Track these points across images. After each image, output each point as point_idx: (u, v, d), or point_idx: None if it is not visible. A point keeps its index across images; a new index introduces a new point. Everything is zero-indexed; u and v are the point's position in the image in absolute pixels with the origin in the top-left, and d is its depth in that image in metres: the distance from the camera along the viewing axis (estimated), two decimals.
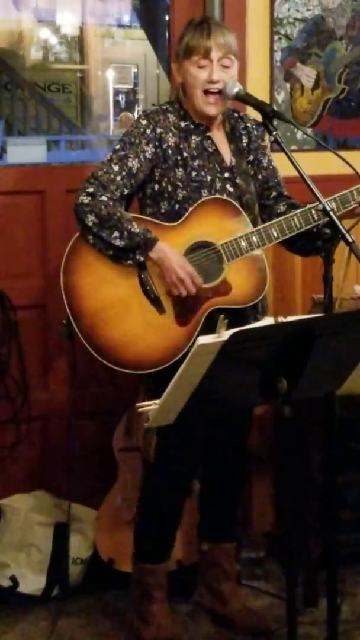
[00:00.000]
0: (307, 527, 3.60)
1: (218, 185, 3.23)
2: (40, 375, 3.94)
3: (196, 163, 3.22)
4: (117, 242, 3.07)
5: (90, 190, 3.11)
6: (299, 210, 3.14)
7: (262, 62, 3.94)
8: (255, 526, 4.05)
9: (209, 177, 3.22)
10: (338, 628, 2.90)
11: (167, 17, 4.22)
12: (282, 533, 3.91)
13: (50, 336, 3.93)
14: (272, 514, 4.08)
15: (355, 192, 3.10)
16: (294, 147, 3.95)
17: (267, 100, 3.83)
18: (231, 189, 3.24)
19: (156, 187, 3.21)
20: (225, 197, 3.20)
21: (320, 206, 2.84)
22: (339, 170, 3.09)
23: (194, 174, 3.20)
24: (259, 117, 3.06)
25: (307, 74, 4.00)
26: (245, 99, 3.14)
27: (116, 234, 3.07)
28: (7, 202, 3.88)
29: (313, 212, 3.12)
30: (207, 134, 3.25)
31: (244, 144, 3.33)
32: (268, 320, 2.40)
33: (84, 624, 3.55)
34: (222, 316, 2.29)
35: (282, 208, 3.32)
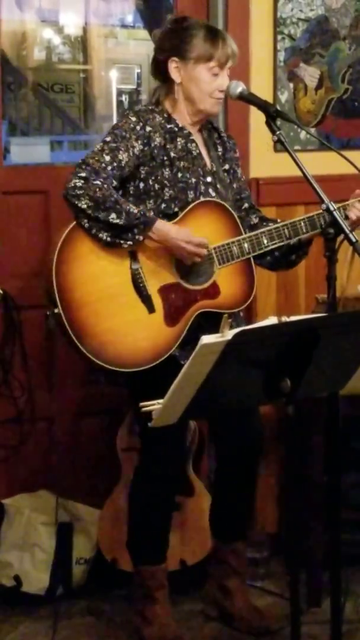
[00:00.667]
0: (311, 527, 3.60)
1: (202, 188, 3.25)
2: (43, 375, 3.95)
3: (182, 164, 3.23)
4: (116, 221, 3.04)
5: (83, 174, 3.08)
6: (290, 222, 3.19)
7: (265, 62, 3.94)
8: (259, 526, 4.05)
9: (193, 180, 3.24)
10: (341, 628, 2.90)
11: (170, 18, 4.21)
12: (286, 533, 3.92)
13: (54, 336, 3.92)
14: (276, 514, 4.08)
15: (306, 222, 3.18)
16: (297, 147, 3.94)
17: (270, 100, 3.83)
18: (213, 194, 3.27)
19: (141, 185, 3.20)
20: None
21: (324, 206, 2.84)
22: (342, 170, 3.10)
23: (180, 174, 3.22)
24: (262, 117, 3.06)
25: (310, 74, 4.00)
26: (248, 98, 3.14)
27: (113, 214, 3.04)
28: (11, 202, 3.88)
29: (302, 223, 3.19)
30: (191, 137, 3.27)
31: (219, 153, 3.37)
32: (272, 320, 2.40)
33: (87, 623, 3.55)
34: (225, 316, 2.30)
35: (255, 220, 3.39)
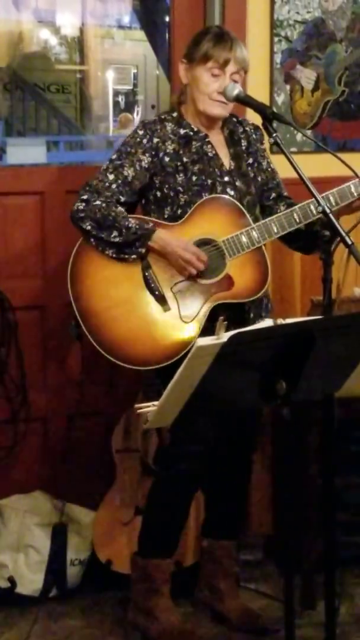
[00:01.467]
0: (305, 529, 3.60)
1: (219, 189, 3.27)
2: (39, 375, 3.94)
3: (196, 168, 3.26)
4: (117, 240, 3.15)
5: (85, 197, 3.21)
6: (298, 206, 3.19)
7: (262, 64, 3.94)
8: (254, 528, 4.05)
9: (209, 181, 3.26)
10: (336, 630, 2.90)
11: (167, 19, 4.23)
12: (280, 535, 3.92)
13: (50, 337, 3.93)
14: (270, 516, 4.08)
15: (352, 187, 3.13)
16: (293, 149, 3.95)
17: (267, 102, 3.83)
18: (232, 192, 3.28)
19: (158, 194, 3.26)
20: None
21: (320, 208, 2.84)
22: (338, 172, 3.09)
23: (194, 178, 3.25)
24: (258, 119, 3.06)
25: (307, 76, 4.00)
26: (245, 100, 3.14)
27: (115, 232, 3.15)
28: (7, 202, 3.88)
29: (312, 206, 3.17)
30: (207, 139, 3.29)
31: (243, 147, 3.36)
32: (267, 322, 2.41)
33: (81, 625, 3.55)
34: (221, 318, 2.30)
35: (282, 208, 3.36)
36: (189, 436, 3.21)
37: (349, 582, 3.77)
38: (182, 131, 3.28)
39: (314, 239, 3.15)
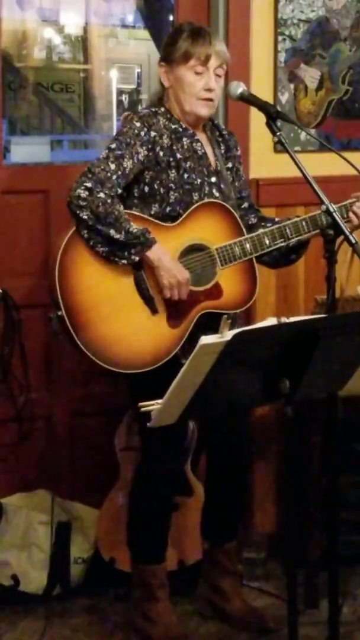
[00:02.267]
0: (309, 528, 3.60)
1: (206, 189, 3.25)
2: (42, 374, 3.95)
3: (188, 165, 3.23)
4: (116, 237, 3.04)
5: (89, 185, 3.08)
6: (291, 221, 3.21)
7: (266, 63, 3.94)
8: (257, 526, 4.06)
9: (198, 180, 3.24)
10: (339, 629, 2.90)
11: (171, 18, 4.23)
12: (284, 533, 3.92)
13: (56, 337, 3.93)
14: (274, 514, 4.08)
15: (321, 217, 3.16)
16: (297, 148, 3.94)
17: (270, 101, 3.82)
18: (217, 194, 3.27)
19: (146, 189, 3.20)
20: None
21: (324, 207, 2.85)
22: (342, 171, 3.10)
23: (185, 175, 3.22)
24: (262, 118, 3.06)
25: (311, 75, 4.00)
26: (249, 99, 3.14)
27: (113, 230, 3.05)
28: (11, 201, 3.88)
29: (303, 223, 3.20)
30: (196, 137, 3.27)
31: (222, 151, 3.37)
32: (271, 321, 2.41)
33: (84, 623, 3.55)
34: (224, 316, 2.30)
35: (253, 219, 3.40)
36: (162, 437, 3.12)
37: (352, 581, 3.77)
38: (173, 126, 3.24)
39: (282, 255, 3.26)
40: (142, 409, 2.42)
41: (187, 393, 2.34)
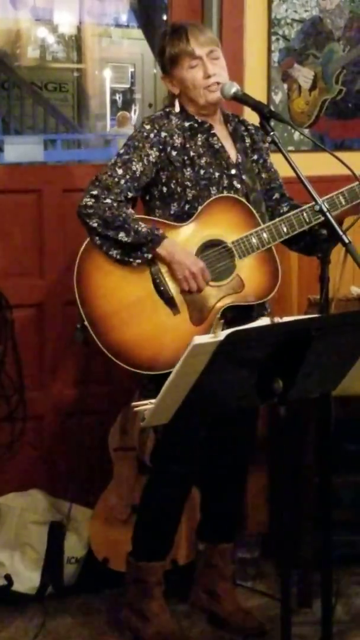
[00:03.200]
0: (302, 528, 3.61)
1: (225, 182, 3.24)
2: (36, 374, 3.94)
3: (203, 161, 3.23)
4: (125, 239, 3.07)
5: (95, 192, 3.12)
6: (307, 206, 3.15)
7: (259, 63, 3.94)
8: (250, 526, 4.06)
9: (216, 174, 3.23)
10: (332, 628, 2.91)
11: (164, 17, 4.23)
12: (277, 533, 3.92)
13: (47, 335, 3.93)
14: (267, 514, 4.08)
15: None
16: (291, 148, 3.95)
17: (264, 100, 3.83)
18: (238, 186, 3.25)
19: (164, 189, 3.22)
20: (233, 194, 3.22)
21: (317, 207, 2.85)
22: (336, 171, 3.09)
23: (202, 172, 3.22)
24: (256, 118, 3.06)
25: (304, 75, 4.00)
26: (242, 99, 3.14)
27: (122, 233, 3.08)
28: (4, 201, 3.88)
29: (317, 208, 3.13)
30: (212, 132, 3.26)
31: (247, 144, 3.35)
32: (264, 321, 2.41)
33: (78, 622, 3.55)
34: (217, 316, 2.30)
35: (285, 209, 3.35)
36: (179, 437, 3.17)
37: (345, 581, 3.77)
38: (186, 124, 3.24)
39: (316, 240, 3.16)
40: (135, 409, 2.42)
41: (180, 393, 2.34)
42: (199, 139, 3.25)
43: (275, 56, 3.96)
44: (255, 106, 3.07)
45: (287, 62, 3.98)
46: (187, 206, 3.19)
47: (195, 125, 3.25)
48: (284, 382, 2.40)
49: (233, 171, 3.26)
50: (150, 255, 3.09)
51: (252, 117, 3.21)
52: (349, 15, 4.01)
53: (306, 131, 4.01)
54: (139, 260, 3.10)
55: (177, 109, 3.27)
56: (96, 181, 3.15)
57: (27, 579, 3.66)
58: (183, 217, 3.19)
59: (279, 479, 3.58)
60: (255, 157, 3.36)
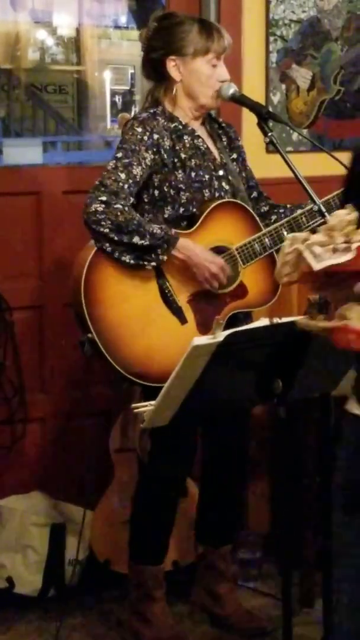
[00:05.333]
0: (303, 528, 3.61)
1: (216, 184, 3.22)
2: (36, 376, 3.94)
3: (193, 163, 3.20)
4: (141, 242, 3.01)
5: (104, 198, 3.03)
6: (306, 209, 3.15)
7: (257, 64, 3.94)
8: (251, 527, 4.06)
9: (206, 176, 3.21)
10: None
11: None
12: (278, 533, 3.92)
13: (47, 337, 3.93)
14: (268, 514, 4.08)
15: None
16: (289, 149, 3.95)
17: (262, 101, 3.83)
18: (227, 187, 3.24)
19: (156, 192, 3.17)
20: (223, 195, 3.22)
21: (316, 207, 2.85)
22: (334, 171, 3.08)
23: (193, 174, 3.19)
24: (254, 118, 3.07)
25: (302, 75, 4.00)
26: (240, 100, 3.14)
27: (137, 237, 3.01)
28: (3, 203, 3.87)
29: (315, 208, 3.14)
30: (196, 133, 3.24)
31: (225, 143, 3.34)
32: (263, 321, 2.41)
33: (80, 625, 3.55)
34: (217, 317, 2.31)
35: (265, 208, 3.37)
36: (172, 439, 3.13)
37: None
38: (172, 125, 3.20)
39: None
40: (135, 410, 2.42)
41: (180, 394, 2.34)
42: (186, 140, 3.21)
43: (273, 57, 3.97)
44: (254, 107, 3.07)
45: (285, 62, 3.99)
46: (181, 209, 3.16)
47: (180, 127, 3.21)
48: (284, 383, 2.40)
49: (220, 172, 3.25)
50: (165, 257, 3.05)
51: (250, 118, 3.21)
52: (346, 16, 4.02)
53: (304, 131, 4.02)
54: (153, 263, 3.05)
55: (166, 105, 3.22)
56: (102, 187, 3.05)
57: (29, 582, 3.66)
58: (178, 220, 3.15)
59: (280, 480, 3.59)
60: (234, 155, 3.35)
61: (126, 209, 3.03)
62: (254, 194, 3.39)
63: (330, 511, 2.34)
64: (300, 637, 3.28)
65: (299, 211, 3.18)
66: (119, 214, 3.01)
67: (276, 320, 2.38)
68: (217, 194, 3.21)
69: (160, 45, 3.20)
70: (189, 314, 3.13)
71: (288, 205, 3.35)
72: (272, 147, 2.96)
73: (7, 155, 4.34)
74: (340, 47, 4.03)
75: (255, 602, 3.67)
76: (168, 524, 3.39)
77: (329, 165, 3.06)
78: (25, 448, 3.94)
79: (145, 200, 3.19)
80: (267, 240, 3.15)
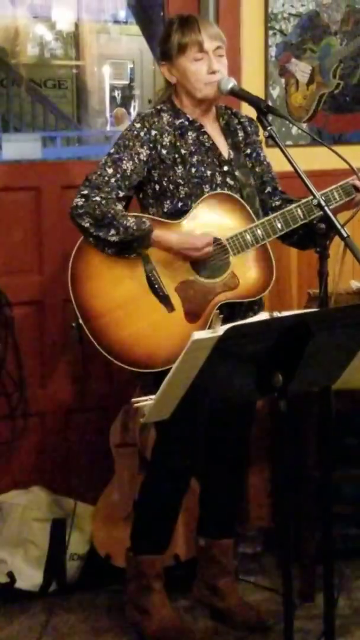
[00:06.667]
0: (303, 522, 3.61)
1: (218, 179, 3.24)
2: (36, 371, 3.95)
3: (195, 159, 3.22)
4: (114, 239, 3.08)
5: (85, 192, 3.13)
6: (302, 202, 3.14)
7: (256, 58, 3.94)
8: (252, 521, 4.06)
9: (208, 172, 3.23)
10: (334, 622, 2.91)
11: (162, 13, 4.22)
12: (279, 528, 3.92)
13: (47, 332, 3.93)
14: (269, 508, 4.08)
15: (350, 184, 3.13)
16: (289, 143, 3.95)
17: (261, 95, 3.82)
18: (231, 182, 3.25)
19: (157, 187, 3.22)
20: (226, 191, 3.22)
21: (315, 201, 2.85)
22: (334, 165, 3.10)
23: (193, 170, 3.21)
24: (253, 112, 3.06)
25: (302, 69, 4.00)
26: (239, 94, 3.14)
27: (112, 231, 3.08)
28: (3, 198, 3.88)
29: (314, 202, 3.12)
30: (203, 130, 3.26)
31: (240, 138, 3.34)
32: (263, 315, 2.41)
33: (81, 619, 3.55)
34: (216, 311, 2.31)
35: (277, 202, 3.35)
36: (177, 431, 3.15)
37: (347, 575, 3.78)
38: (177, 122, 3.24)
39: (310, 235, 3.15)
40: (135, 405, 2.42)
41: (180, 388, 2.34)
42: (190, 137, 3.24)
43: (273, 51, 3.96)
44: (253, 101, 3.07)
45: (284, 56, 3.98)
46: (180, 203, 3.19)
47: (186, 123, 3.24)
48: (284, 377, 2.40)
49: (225, 168, 3.26)
50: (141, 250, 3.10)
51: (249, 112, 3.21)
52: (345, 9, 4.01)
53: (304, 125, 4.01)
54: (134, 255, 3.11)
55: (176, 103, 3.26)
56: (86, 181, 3.16)
57: (30, 576, 3.66)
58: (176, 214, 3.18)
59: (280, 473, 3.59)
60: (248, 150, 3.35)
61: (104, 202, 3.10)
62: (268, 188, 3.39)
63: (331, 505, 2.35)
64: (301, 632, 3.30)
65: (294, 204, 3.17)
66: (96, 207, 3.09)
67: (276, 314, 2.38)
68: (218, 189, 3.22)
69: (159, 53, 3.30)
70: (176, 301, 3.14)
71: (310, 198, 3.31)
72: (271, 141, 2.95)
73: (6, 151, 4.34)
74: (340, 40, 4.02)
75: (256, 596, 3.67)
76: (174, 516, 3.41)
77: (329, 159, 3.06)
78: (26, 443, 3.94)
79: (149, 194, 3.24)
80: (259, 231, 3.15)
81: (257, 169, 3.37)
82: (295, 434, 3.54)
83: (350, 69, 4.05)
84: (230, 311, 3.12)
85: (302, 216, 3.14)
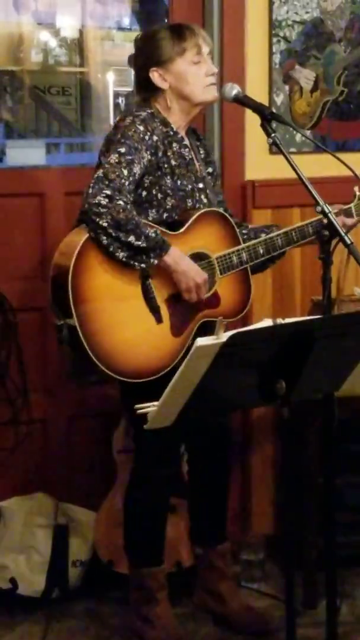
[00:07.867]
0: (306, 529, 3.60)
1: (196, 195, 3.26)
2: (39, 377, 3.95)
3: (180, 171, 3.23)
4: (137, 243, 2.99)
5: (108, 192, 3.00)
6: (282, 231, 3.25)
7: (260, 65, 3.94)
8: (255, 528, 4.06)
9: (189, 187, 3.24)
10: (337, 629, 2.90)
11: (166, 20, 4.23)
12: (282, 535, 3.92)
13: (50, 338, 3.92)
14: (272, 515, 4.08)
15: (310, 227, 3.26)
16: (292, 150, 3.95)
17: (265, 102, 3.83)
18: (205, 200, 3.28)
19: (143, 193, 3.17)
20: (202, 208, 3.25)
21: (319, 208, 2.85)
22: (338, 172, 3.10)
23: (179, 182, 3.22)
24: (257, 119, 3.07)
25: (306, 76, 4.00)
26: (243, 101, 3.15)
27: (132, 237, 2.99)
28: (7, 204, 3.88)
29: (293, 233, 3.25)
30: (184, 142, 3.26)
31: (202, 156, 3.37)
32: (267, 322, 2.41)
33: (83, 626, 3.55)
34: (220, 318, 2.30)
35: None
36: (161, 440, 3.06)
37: (350, 582, 3.77)
38: (165, 130, 3.22)
39: (262, 263, 3.31)
40: (138, 411, 2.42)
41: (183, 395, 2.33)
42: (174, 147, 3.23)
43: (277, 58, 3.96)
44: (257, 108, 3.07)
45: (288, 63, 3.98)
46: (165, 214, 3.18)
47: (171, 133, 3.23)
48: (287, 384, 2.40)
49: (200, 185, 3.28)
50: (156, 262, 3.04)
51: (253, 119, 3.21)
52: (349, 17, 4.01)
53: (308, 133, 4.01)
54: (143, 265, 3.04)
55: (159, 106, 3.24)
56: (106, 180, 3.02)
57: (32, 582, 3.66)
58: (160, 225, 3.14)
59: (283, 481, 3.59)
60: (210, 169, 3.39)
61: (128, 206, 3.02)
62: (221, 209, 3.38)
63: (334, 512, 2.34)
64: (304, 638, 3.29)
65: (275, 233, 3.25)
66: (120, 210, 2.99)
67: (279, 321, 2.38)
68: (197, 205, 3.24)
69: (142, 61, 3.26)
70: (165, 313, 3.13)
71: (250, 226, 3.45)
72: (275, 148, 2.95)
73: (10, 157, 4.35)
74: (344, 48, 4.02)
75: (259, 603, 3.67)
76: (161, 524, 3.39)
77: (333, 166, 3.07)
78: (29, 449, 3.94)
79: (134, 199, 3.15)
80: (244, 255, 3.21)
81: (215, 188, 3.41)
82: (299, 441, 3.54)
83: (354, 76, 4.05)
84: (207, 330, 3.10)
85: (281, 245, 3.25)
